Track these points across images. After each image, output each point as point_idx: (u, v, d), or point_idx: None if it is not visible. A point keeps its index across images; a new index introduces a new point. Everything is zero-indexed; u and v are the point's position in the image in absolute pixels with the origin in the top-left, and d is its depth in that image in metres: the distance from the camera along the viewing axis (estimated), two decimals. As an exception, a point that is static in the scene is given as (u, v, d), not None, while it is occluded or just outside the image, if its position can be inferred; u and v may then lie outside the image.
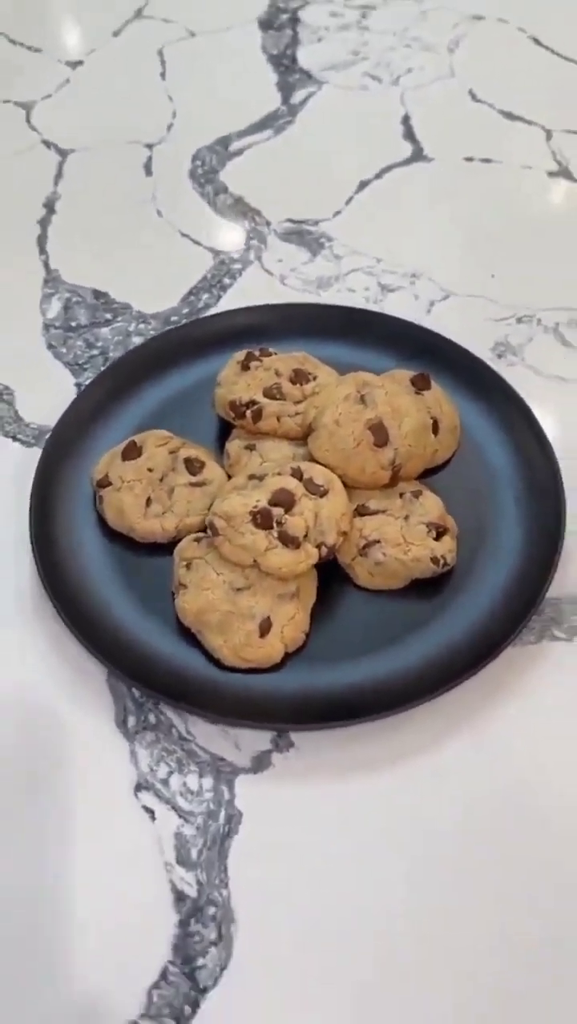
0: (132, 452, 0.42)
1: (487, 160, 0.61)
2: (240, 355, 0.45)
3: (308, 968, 0.32)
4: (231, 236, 0.57)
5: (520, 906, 0.33)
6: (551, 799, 0.36)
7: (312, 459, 0.41)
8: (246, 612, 0.38)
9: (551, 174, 0.60)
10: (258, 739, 0.37)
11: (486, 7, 0.74)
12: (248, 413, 0.43)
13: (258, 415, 0.43)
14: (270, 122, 0.64)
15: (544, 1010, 0.31)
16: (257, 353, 0.45)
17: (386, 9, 0.74)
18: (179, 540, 0.41)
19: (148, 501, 0.41)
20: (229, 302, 0.53)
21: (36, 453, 0.44)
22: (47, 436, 0.45)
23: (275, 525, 0.38)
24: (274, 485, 0.39)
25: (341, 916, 0.33)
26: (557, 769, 0.36)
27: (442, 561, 0.39)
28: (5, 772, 0.36)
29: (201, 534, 0.40)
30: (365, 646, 0.38)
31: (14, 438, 0.46)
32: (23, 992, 0.31)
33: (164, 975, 0.31)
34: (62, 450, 0.44)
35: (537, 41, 0.70)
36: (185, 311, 0.52)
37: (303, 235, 0.57)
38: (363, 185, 0.60)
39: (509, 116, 0.65)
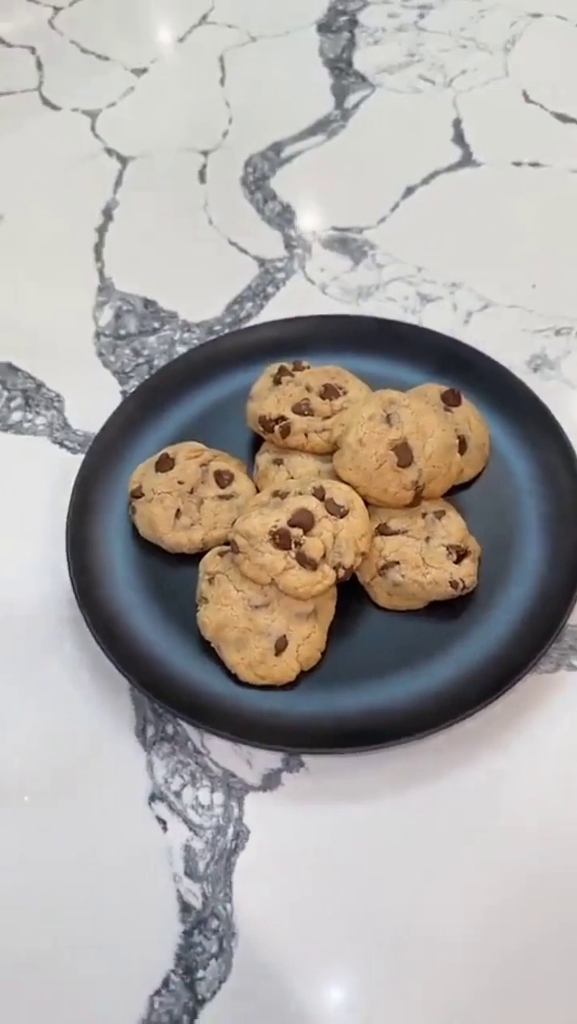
0: (165, 464, 0.39)
1: (536, 164, 0.55)
2: (273, 369, 0.41)
3: (303, 988, 0.29)
4: (277, 244, 0.52)
5: (522, 931, 0.30)
6: (566, 831, 0.32)
7: (337, 476, 0.37)
8: (263, 630, 0.35)
9: (601, 178, 0.54)
10: (270, 758, 0.34)
11: (545, 4, 0.66)
12: (277, 428, 0.39)
13: (286, 431, 0.39)
14: (322, 127, 0.59)
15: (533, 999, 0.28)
16: (290, 367, 0.41)
17: (444, 8, 0.67)
18: (206, 551, 0.37)
19: (177, 513, 0.38)
20: (271, 311, 0.49)
21: (80, 460, 0.41)
22: (88, 447, 0.42)
23: (293, 546, 0.34)
24: (295, 505, 0.35)
25: (342, 939, 0.30)
26: (572, 800, 0.32)
27: (461, 584, 0.35)
28: (30, 770, 0.34)
29: (226, 547, 0.37)
30: (381, 668, 0.35)
31: (61, 444, 0.44)
32: (29, 989, 0.30)
33: (166, 983, 0.29)
34: (102, 459, 0.41)
35: (596, 38, 0.63)
36: (228, 320, 0.49)
37: (347, 243, 0.52)
38: (409, 191, 0.54)
39: (562, 118, 0.58)
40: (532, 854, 0.31)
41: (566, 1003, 0.28)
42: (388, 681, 0.34)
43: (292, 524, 0.34)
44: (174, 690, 0.34)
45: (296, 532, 0.34)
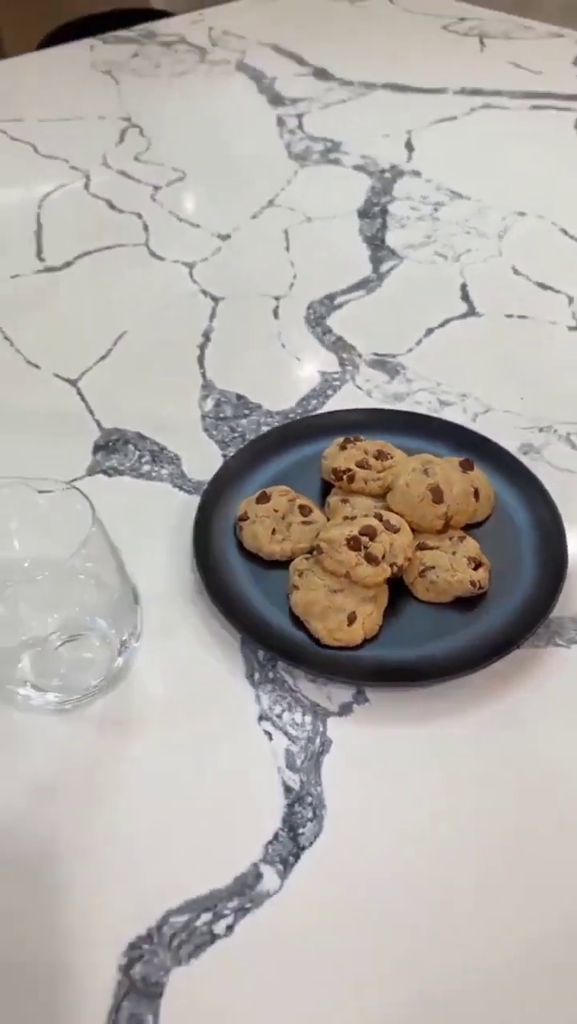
0: (264, 499, 0.54)
1: (523, 316, 0.75)
2: (340, 439, 0.57)
3: (376, 839, 0.42)
4: (333, 363, 0.71)
5: (523, 804, 0.43)
6: (548, 751, 0.45)
7: (389, 509, 0.52)
8: (339, 607, 0.48)
9: (570, 328, 0.74)
10: (344, 693, 0.47)
11: (528, 206, 0.90)
12: (345, 477, 0.54)
13: (352, 479, 0.54)
14: (363, 285, 0.80)
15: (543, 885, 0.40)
16: (352, 439, 0.58)
17: (452, 206, 0.91)
18: (293, 559, 0.51)
19: (273, 531, 0.52)
20: (331, 407, 0.66)
21: (195, 499, 0.57)
22: (203, 488, 0.57)
23: (362, 548, 0.48)
24: (363, 522, 0.50)
25: (400, 810, 0.43)
26: (553, 733, 0.46)
27: (478, 584, 0.49)
28: (171, 702, 0.47)
29: (309, 555, 0.52)
30: (420, 638, 0.48)
31: (180, 488, 0.60)
32: (182, 841, 0.42)
33: (276, 836, 0.42)
34: (214, 496, 0.56)
35: (565, 232, 0.86)
36: (299, 411, 0.65)
37: (385, 364, 0.70)
38: (429, 331, 0.74)
39: (541, 286, 0.79)
40: (532, 768, 0.45)
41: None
42: (425, 646, 0.48)
43: (361, 534, 0.49)
44: (276, 646, 0.48)
45: (364, 539, 0.49)
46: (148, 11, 1.60)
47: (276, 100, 1.15)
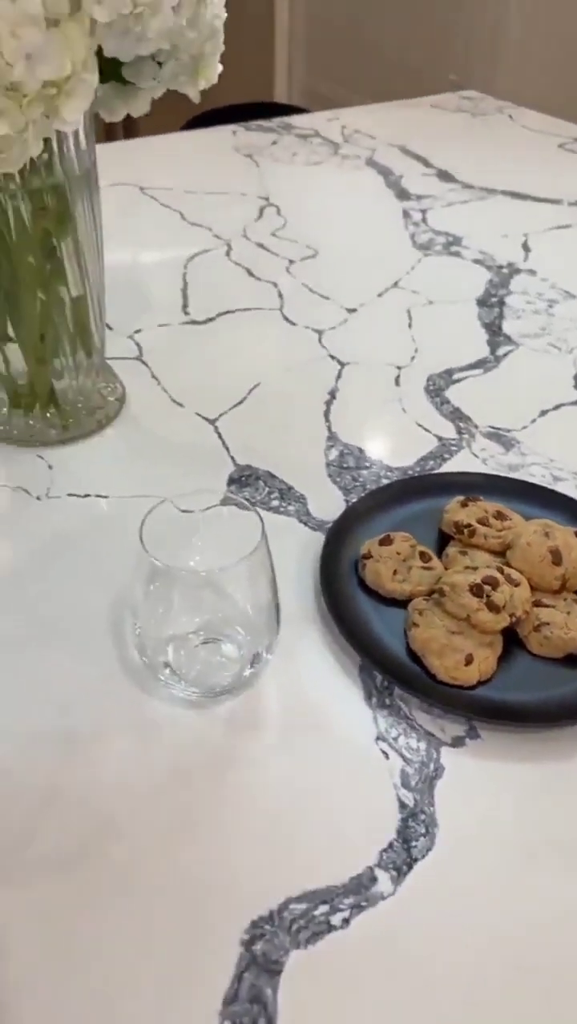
0: (387, 541, 0.59)
1: (633, 409, 0.82)
2: (461, 497, 0.63)
3: (484, 862, 0.45)
4: (450, 430, 0.77)
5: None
6: None
7: (508, 565, 0.58)
8: (457, 647, 0.52)
9: None
10: (456, 727, 0.50)
11: None
12: (466, 531, 0.60)
13: (472, 533, 0.60)
14: (480, 364, 0.87)
15: None
16: (472, 498, 0.63)
17: (566, 305, 0.99)
18: (411, 599, 0.56)
19: (394, 572, 0.58)
20: (446, 470, 0.72)
21: (319, 536, 0.63)
22: (328, 527, 0.63)
23: (484, 596, 0.54)
24: (485, 572, 0.55)
25: (507, 839, 0.46)
26: None
27: None
28: (294, 712, 0.52)
29: (428, 597, 0.57)
30: (531, 687, 0.52)
31: (305, 524, 0.66)
32: (305, 842, 0.46)
33: (390, 846, 0.45)
34: (339, 534, 0.62)
35: None
36: (417, 469, 0.72)
37: (500, 437, 0.77)
38: (543, 413, 0.80)
39: None
40: None
41: None
42: (536, 694, 0.52)
43: (484, 582, 0.54)
44: (394, 674, 0.53)
45: (487, 588, 0.54)
46: (285, 106, 1.78)
47: (402, 195, 1.26)
